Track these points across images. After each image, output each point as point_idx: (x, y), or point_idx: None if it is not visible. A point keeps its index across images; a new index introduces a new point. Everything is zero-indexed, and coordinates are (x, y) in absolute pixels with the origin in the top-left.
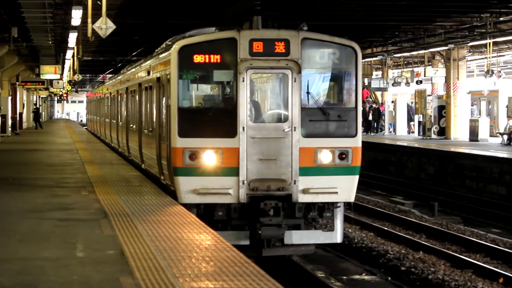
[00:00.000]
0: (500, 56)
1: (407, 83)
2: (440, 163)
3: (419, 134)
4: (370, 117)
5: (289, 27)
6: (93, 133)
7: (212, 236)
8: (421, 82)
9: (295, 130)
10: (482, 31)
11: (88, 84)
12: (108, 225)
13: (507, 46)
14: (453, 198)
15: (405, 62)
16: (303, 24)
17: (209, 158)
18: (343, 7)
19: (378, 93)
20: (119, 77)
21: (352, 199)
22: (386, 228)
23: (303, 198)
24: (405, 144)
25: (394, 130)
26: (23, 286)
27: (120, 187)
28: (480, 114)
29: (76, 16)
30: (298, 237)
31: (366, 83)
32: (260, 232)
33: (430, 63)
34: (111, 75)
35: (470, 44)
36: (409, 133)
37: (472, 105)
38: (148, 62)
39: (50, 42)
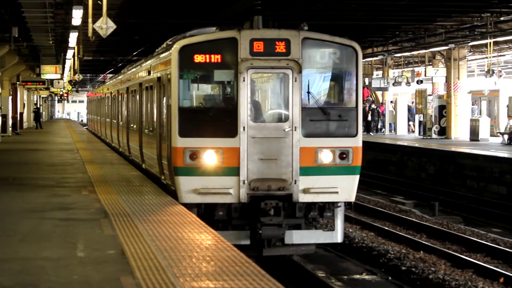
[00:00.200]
0: (500, 55)
1: (408, 83)
2: (440, 163)
3: (419, 134)
4: (369, 118)
5: (289, 27)
6: (93, 133)
7: (212, 236)
8: (421, 82)
9: (295, 130)
10: (483, 31)
11: (88, 84)
12: (108, 224)
13: (507, 46)
14: (454, 198)
15: (406, 61)
16: (303, 24)
17: (210, 158)
18: (343, 6)
19: (379, 93)
20: (119, 77)
21: (352, 198)
22: (386, 228)
23: (303, 198)
24: (405, 143)
25: (395, 130)
26: (23, 286)
27: (121, 187)
28: (480, 114)
29: (76, 16)
30: (298, 237)
31: (367, 83)
32: (260, 232)
33: (430, 63)
34: (111, 75)
35: (471, 43)
36: (409, 132)
37: (472, 105)
38: (149, 62)
39: (51, 42)
